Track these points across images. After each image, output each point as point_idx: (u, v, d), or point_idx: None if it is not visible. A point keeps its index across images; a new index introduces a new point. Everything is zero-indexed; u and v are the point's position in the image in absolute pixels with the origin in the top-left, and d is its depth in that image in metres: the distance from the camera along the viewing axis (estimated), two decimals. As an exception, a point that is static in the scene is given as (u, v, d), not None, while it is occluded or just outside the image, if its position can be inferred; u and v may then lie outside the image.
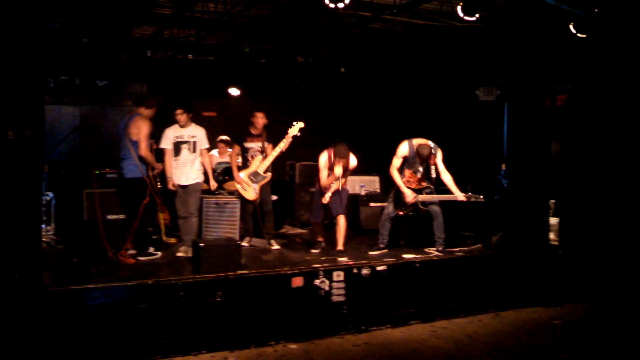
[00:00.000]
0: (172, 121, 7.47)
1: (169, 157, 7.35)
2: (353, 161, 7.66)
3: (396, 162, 7.59)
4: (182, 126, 7.38)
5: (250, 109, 8.18)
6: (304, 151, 10.35)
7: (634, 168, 8.20)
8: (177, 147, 7.34)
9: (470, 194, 7.39)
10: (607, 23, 7.55)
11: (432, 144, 7.52)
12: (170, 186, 7.37)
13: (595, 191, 8.50)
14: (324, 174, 7.58)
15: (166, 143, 7.37)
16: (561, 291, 7.88)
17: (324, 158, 7.64)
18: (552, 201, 9.15)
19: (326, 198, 7.53)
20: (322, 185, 7.59)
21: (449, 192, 7.52)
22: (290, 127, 7.80)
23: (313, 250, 7.77)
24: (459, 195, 7.38)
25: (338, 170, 7.44)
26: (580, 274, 8.09)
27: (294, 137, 7.81)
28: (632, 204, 8.19)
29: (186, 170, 7.35)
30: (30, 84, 5.47)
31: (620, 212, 8.28)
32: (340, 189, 7.59)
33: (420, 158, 7.38)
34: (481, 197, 7.38)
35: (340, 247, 7.66)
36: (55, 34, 8.72)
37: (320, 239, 7.95)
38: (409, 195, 7.44)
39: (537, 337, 6.51)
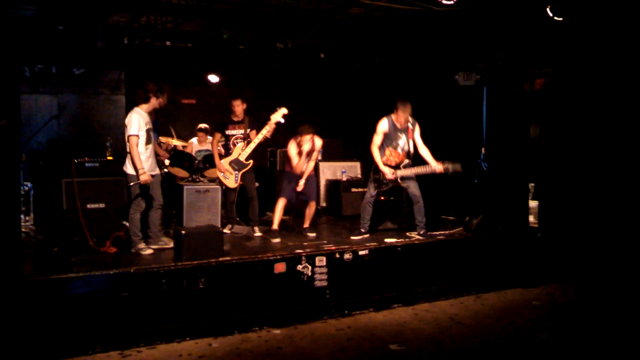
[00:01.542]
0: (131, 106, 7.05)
1: (136, 146, 6.54)
2: (318, 141, 7.90)
3: (377, 139, 7.59)
4: (149, 112, 6.80)
5: (230, 95, 8.13)
6: (285, 137, 10.31)
7: (612, 150, 8.32)
8: (148, 134, 6.73)
9: (447, 163, 7.40)
10: (584, 5, 7.61)
11: (410, 119, 7.57)
12: (146, 178, 6.57)
13: (574, 174, 8.61)
14: (295, 161, 7.83)
15: (138, 129, 6.57)
16: (541, 273, 7.99)
17: (292, 147, 7.87)
18: (532, 184, 9.25)
19: (301, 185, 7.80)
20: (298, 170, 7.80)
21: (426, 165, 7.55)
22: (273, 113, 7.76)
23: (272, 240, 7.55)
24: (437, 167, 7.41)
25: (306, 146, 7.73)
26: (559, 256, 8.21)
27: (277, 123, 7.78)
28: (610, 186, 8.32)
29: (155, 159, 6.91)
30: (4, 73, 5.38)
31: (599, 194, 8.40)
32: (311, 175, 7.96)
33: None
34: (458, 165, 7.42)
35: (307, 225, 8.01)
36: (30, 22, 8.59)
37: (276, 226, 7.77)
38: (388, 173, 7.48)
39: (517, 317, 6.60)
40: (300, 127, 7.83)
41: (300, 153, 7.83)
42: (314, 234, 7.84)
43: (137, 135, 6.57)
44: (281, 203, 7.86)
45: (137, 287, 5.75)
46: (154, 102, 6.82)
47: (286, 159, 8.08)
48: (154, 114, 7.23)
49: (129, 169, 6.66)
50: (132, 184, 6.64)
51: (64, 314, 5.43)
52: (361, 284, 6.85)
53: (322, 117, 11.68)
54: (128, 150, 6.61)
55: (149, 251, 6.71)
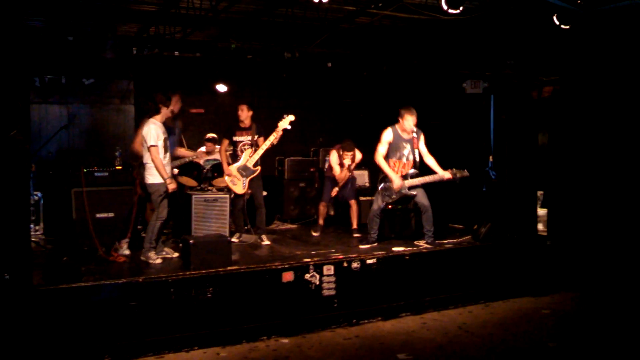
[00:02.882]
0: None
1: (158, 156, 6.70)
2: (358, 155, 8.74)
3: (381, 148, 7.59)
4: (163, 122, 6.94)
5: (238, 105, 8.17)
6: (293, 146, 10.37)
7: (621, 158, 8.29)
8: (165, 143, 6.89)
9: (454, 170, 7.41)
10: (591, 14, 7.60)
11: (414, 128, 7.56)
12: (174, 186, 6.81)
13: (583, 182, 8.58)
14: (337, 169, 8.66)
15: (156, 139, 6.71)
16: (550, 281, 7.95)
17: (334, 156, 8.70)
18: (540, 192, 9.21)
19: (334, 191, 8.71)
20: (338, 178, 8.67)
21: (433, 174, 7.55)
22: (281, 120, 7.82)
23: (313, 232, 8.70)
24: (444, 174, 7.41)
25: (347, 161, 8.60)
26: (568, 264, 8.16)
27: (285, 130, 7.82)
28: (618, 194, 8.28)
29: (169, 168, 7.00)
30: (15, 83, 5.43)
31: (608, 202, 8.36)
32: (350, 178, 8.78)
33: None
34: (465, 171, 7.43)
35: (355, 226, 8.71)
36: (40, 33, 8.67)
37: (321, 222, 8.78)
38: (397, 180, 7.46)
39: (526, 326, 6.57)
40: (344, 142, 8.66)
41: (341, 165, 8.63)
42: (359, 235, 8.40)
43: (157, 145, 6.71)
44: (321, 207, 8.87)
45: (145, 296, 5.77)
46: (165, 112, 6.96)
47: (328, 164, 8.89)
48: (180, 123, 7.69)
49: (150, 179, 6.76)
50: (160, 194, 6.74)
51: (73, 323, 5.45)
52: (369, 292, 6.85)
53: (330, 126, 11.70)
54: (146, 161, 6.75)
55: (159, 261, 6.75)
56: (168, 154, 6.95)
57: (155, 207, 6.87)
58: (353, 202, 8.77)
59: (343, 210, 9.88)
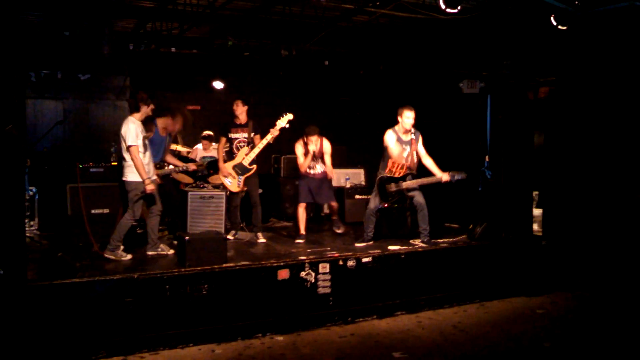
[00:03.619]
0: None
1: (138, 155, 6.56)
2: (326, 144, 8.22)
3: (393, 149, 7.50)
4: (142, 120, 6.78)
5: (233, 100, 8.16)
6: (289, 144, 10.31)
7: (616, 158, 8.32)
8: (144, 143, 6.74)
9: (452, 172, 7.39)
10: (588, 15, 7.62)
11: (412, 129, 7.55)
12: (152, 187, 6.63)
13: (578, 182, 8.61)
14: (301, 160, 8.13)
15: (136, 139, 6.58)
16: (544, 281, 7.97)
17: (299, 148, 8.17)
18: (536, 192, 9.23)
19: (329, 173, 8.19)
20: (302, 169, 8.13)
21: (431, 175, 7.53)
22: (279, 119, 7.80)
23: (297, 241, 8.00)
24: (442, 177, 7.39)
25: (312, 147, 8.06)
26: (563, 264, 8.19)
27: (282, 129, 7.80)
28: (613, 195, 8.31)
29: (152, 165, 6.93)
30: (10, 78, 5.40)
31: (603, 202, 8.39)
32: (324, 179, 8.21)
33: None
34: (463, 173, 7.42)
35: (335, 217, 8.66)
36: (36, 28, 8.65)
37: (303, 229, 8.16)
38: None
39: (521, 326, 6.58)
40: (307, 127, 8.12)
41: (306, 153, 8.09)
42: (341, 230, 8.49)
43: (136, 145, 6.57)
44: (301, 209, 8.21)
45: (140, 292, 5.75)
46: (145, 110, 6.79)
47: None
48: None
49: (129, 176, 6.65)
50: (137, 193, 6.64)
51: (68, 319, 5.43)
52: (364, 291, 6.85)
53: (326, 124, 11.66)
54: (127, 159, 6.62)
55: (128, 257, 6.69)
56: (148, 153, 6.79)
57: (130, 206, 6.68)
58: (333, 203, 8.50)
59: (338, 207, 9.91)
